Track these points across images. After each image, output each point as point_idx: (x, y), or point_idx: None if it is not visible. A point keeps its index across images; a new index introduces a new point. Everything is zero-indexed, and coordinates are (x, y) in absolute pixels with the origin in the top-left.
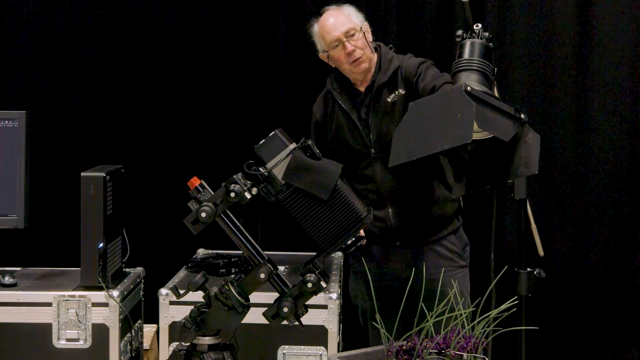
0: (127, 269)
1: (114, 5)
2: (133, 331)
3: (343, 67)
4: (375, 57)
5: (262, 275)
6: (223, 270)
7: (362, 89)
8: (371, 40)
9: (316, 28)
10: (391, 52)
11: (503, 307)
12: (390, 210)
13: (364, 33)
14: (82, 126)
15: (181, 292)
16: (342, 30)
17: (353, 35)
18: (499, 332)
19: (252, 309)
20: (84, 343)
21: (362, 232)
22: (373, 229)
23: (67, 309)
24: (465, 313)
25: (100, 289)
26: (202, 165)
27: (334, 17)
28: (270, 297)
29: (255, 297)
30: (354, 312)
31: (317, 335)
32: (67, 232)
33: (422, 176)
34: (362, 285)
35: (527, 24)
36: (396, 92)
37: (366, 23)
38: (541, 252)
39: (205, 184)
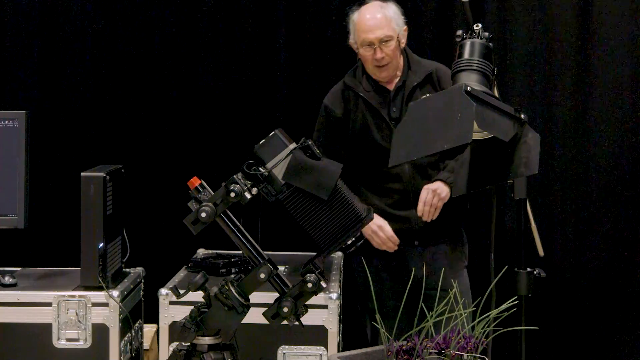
0: (127, 269)
1: (114, 5)
2: (133, 331)
3: (367, 65)
4: (402, 59)
5: (262, 275)
6: (223, 270)
7: (390, 87)
8: (404, 43)
9: (355, 17)
10: (415, 55)
11: (503, 307)
12: (415, 211)
13: (399, 41)
14: (82, 126)
15: (181, 292)
16: (377, 35)
17: (387, 42)
18: (499, 332)
19: (252, 309)
20: (84, 343)
21: (377, 228)
22: (395, 227)
23: (67, 309)
24: (465, 313)
25: (100, 289)
26: (202, 165)
27: (375, 16)
28: (270, 297)
29: (255, 297)
30: (354, 312)
31: (317, 335)
32: (67, 232)
33: None
34: (373, 285)
35: (527, 24)
36: (429, 94)
37: (405, 27)
38: (541, 252)
39: (205, 184)
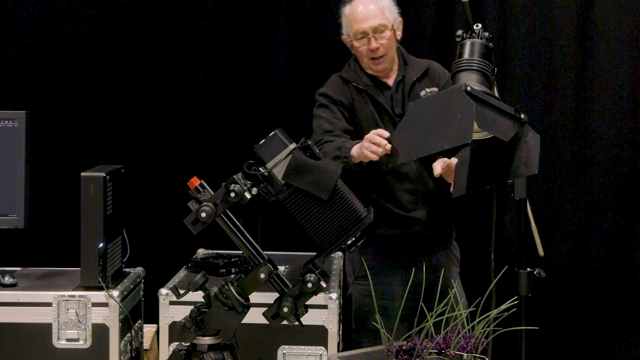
0: (127, 269)
1: (114, 5)
2: (133, 331)
3: (362, 59)
4: (397, 57)
5: (262, 275)
6: (223, 270)
7: (389, 82)
8: (400, 36)
9: (347, 10)
10: (409, 54)
11: (503, 307)
12: (424, 211)
13: (395, 31)
14: (82, 126)
15: (181, 292)
16: (371, 24)
17: (382, 32)
18: (499, 332)
19: (252, 309)
20: (84, 343)
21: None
22: (405, 231)
23: (67, 309)
24: (465, 313)
25: (100, 289)
26: (202, 165)
27: (368, 7)
28: (270, 297)
29: (255, 297)
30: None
31: (317, 335)
32: (67, 232)
33: None
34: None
35: (527, 24)
36: (428, 90)
37: (399, 19)
38: (541, 252)
39: (205, 184)
